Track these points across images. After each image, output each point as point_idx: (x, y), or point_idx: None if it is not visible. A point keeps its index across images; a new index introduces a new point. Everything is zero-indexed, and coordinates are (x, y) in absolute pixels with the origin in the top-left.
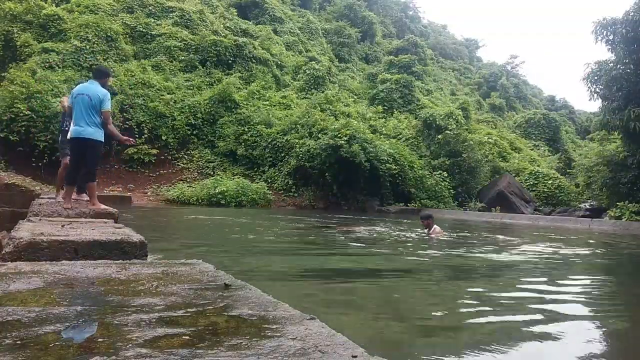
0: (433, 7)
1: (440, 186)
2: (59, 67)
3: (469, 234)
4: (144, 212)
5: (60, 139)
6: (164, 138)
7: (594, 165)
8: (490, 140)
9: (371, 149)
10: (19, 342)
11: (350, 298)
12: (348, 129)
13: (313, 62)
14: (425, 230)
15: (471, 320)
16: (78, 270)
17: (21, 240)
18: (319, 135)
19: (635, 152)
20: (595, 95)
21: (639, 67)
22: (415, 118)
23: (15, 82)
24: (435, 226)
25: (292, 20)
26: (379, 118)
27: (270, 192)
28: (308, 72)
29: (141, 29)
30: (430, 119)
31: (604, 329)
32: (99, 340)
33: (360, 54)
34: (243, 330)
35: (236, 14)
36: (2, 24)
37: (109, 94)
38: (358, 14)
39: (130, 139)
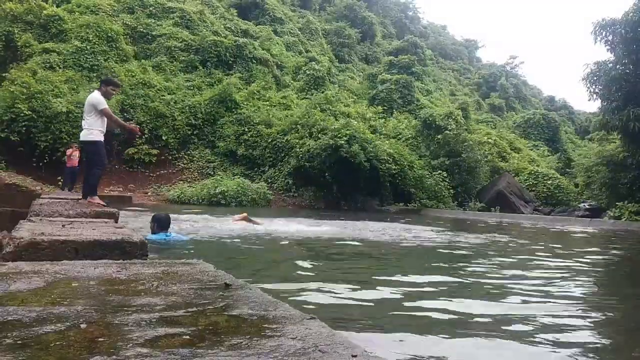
0: (433, 7)
1: (439, 186)
2: (60, 68)
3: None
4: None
5: None
6: (164, 138)
7: (594, 165)
8: (489, 140)
9: (371, 149)
10: (19, 342)
11: None
12: (348, 129)
13: (313, 62)
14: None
15: None
16: (79, 270)
17: (22, 240)
18: (319, 136)
19: (635, 153)
20: (595, 95)
21: (638, 67)
22: (415, 118)
23: (16, 83)
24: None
25: (292, 21)
26: (378, 118)
27: (271, 192)
28: (308, 72)
29: (142, 29)
30: (430, 119)
31: None
32: (100, 340)
33: (360, 54)
34: (243, 330)
35: (236, 14)
36: (3, 25)
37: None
38: (358, 14)
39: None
